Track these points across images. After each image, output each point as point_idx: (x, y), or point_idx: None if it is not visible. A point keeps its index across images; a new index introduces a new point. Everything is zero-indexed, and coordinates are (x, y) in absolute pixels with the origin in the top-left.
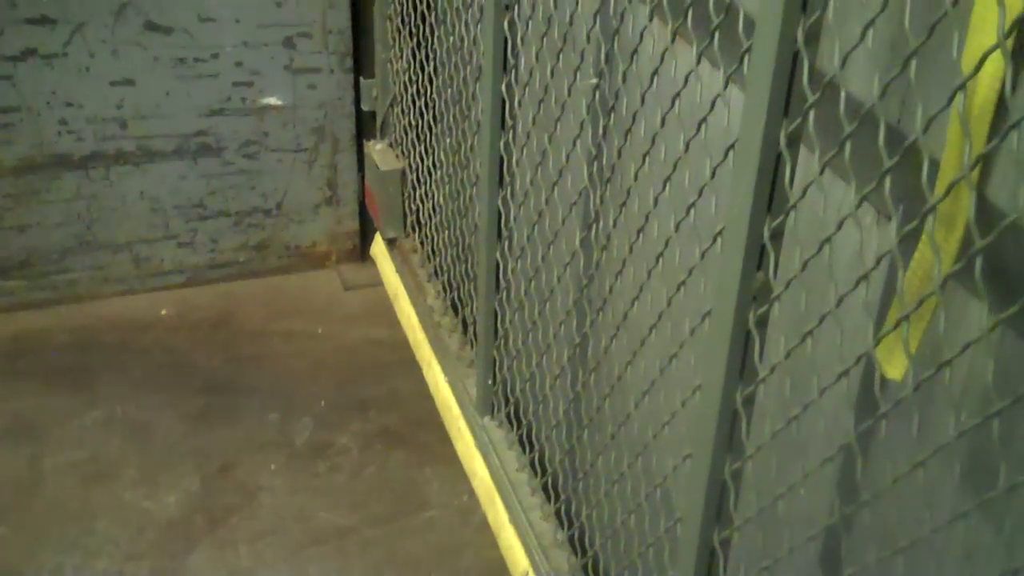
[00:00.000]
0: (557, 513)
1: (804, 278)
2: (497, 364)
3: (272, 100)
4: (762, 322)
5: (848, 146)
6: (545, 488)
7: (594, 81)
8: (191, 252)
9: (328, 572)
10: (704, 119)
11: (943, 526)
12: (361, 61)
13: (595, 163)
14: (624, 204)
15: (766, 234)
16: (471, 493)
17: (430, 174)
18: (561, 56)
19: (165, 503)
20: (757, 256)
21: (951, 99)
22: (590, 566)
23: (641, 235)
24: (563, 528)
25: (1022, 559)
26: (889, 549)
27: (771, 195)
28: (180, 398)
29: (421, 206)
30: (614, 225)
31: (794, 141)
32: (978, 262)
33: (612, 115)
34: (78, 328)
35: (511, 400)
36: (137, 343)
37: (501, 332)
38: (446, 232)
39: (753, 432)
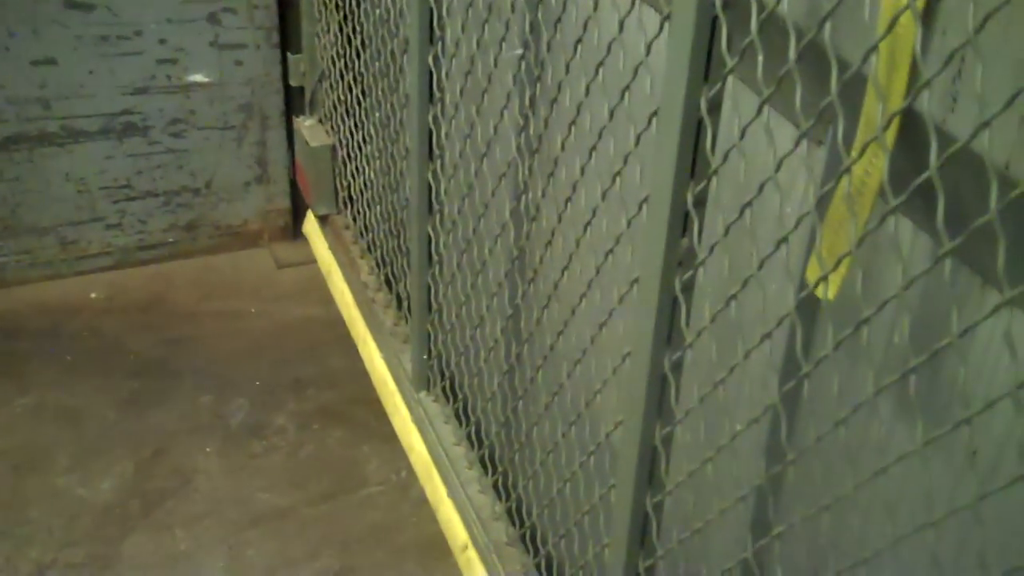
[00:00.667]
0: (495, 485)
1: (727, 242)
2: (432, 338)
3: (198, 77)
4: (688, 288)
5: (766, 110)
6: (482, 461)
7: (519, 51)
8: (119, 234)
9: (267, 553)
10: (627, 87)
11: (865, 482)
12: (288, 36)
13: (523, 134)
14: (552, 174)
15: (689, 200)
16: (409, 469)
17: (360, 149)
18: (487, 27)
19: (99, 489)
20: (681, 222)
21: (864, 59)
22: (528, 536)
23: (569, 205)
24: (501, 500)
25: (943, 510)
26: (815, 507)
27: (694, 161)
28: (112, 382)
29: (352, 181)
30: (543, 195)
31: (715, 107)
32: (892, 220)
33: (538, 85)
34: (5, 313)
35: (447, 374)
36: (66, 328)
37: (435, 306)
38: (378, 207)
39: (682, 397)
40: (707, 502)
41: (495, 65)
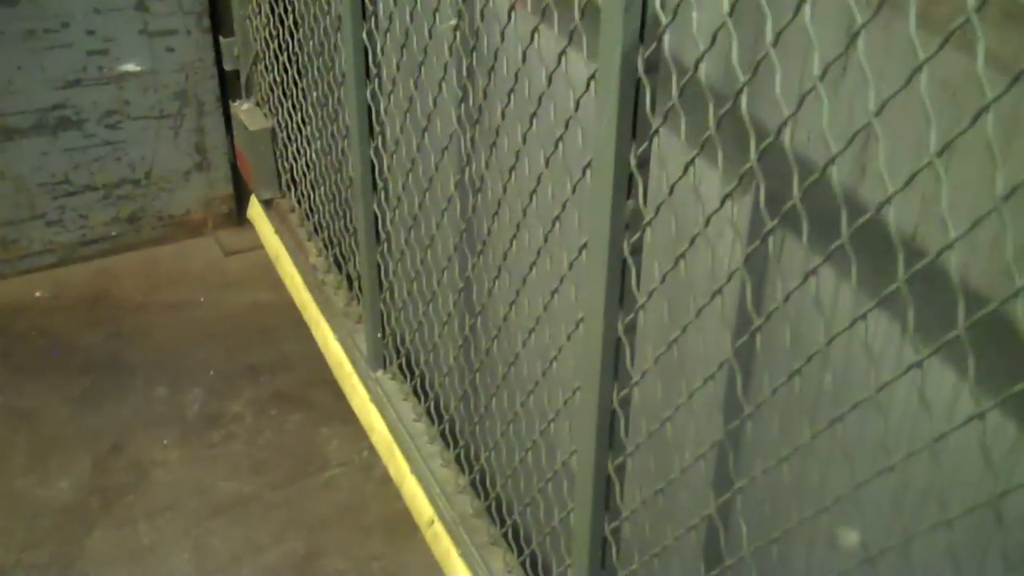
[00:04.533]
0: (457, 459)
1: (672, 202)
2: (385, 316)
3: (130, 66)
4: (636, 250)
5: (702, 68)
6: (443, 435)
7: (453, 22)
8: (61, 230)
9: (232, 541)
10: (563, 51)
11: (821, 431)
12: (219, 19)
13: (462, 105)
14: (494, 144)
15: (632, 162)
16: (371, 448)
17: (300, 130)
18: None
19: (58, 488)
20: (626, 184)
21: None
22: (493, 507)
23: (513, 173)
24: (464, 473)
25: (899, 455)
26: (774, 458)
27: (634, 122)
28: (63, 380)
29: (294, 164)
30: (486, 166)
31: (652, 67)
32: None
33: (474, 55)
34: None
35: (402, 351)
36: (13, 328)
37: (386, 284)
38: (322, 188)
39: (637, 359)
40: (668, 462)
41: (430, 37)
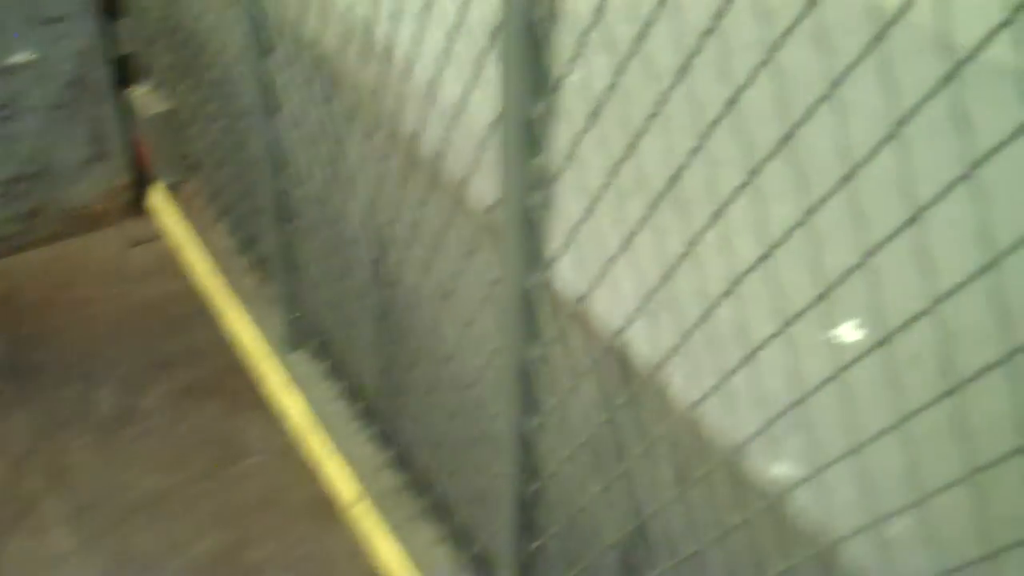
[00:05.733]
0: (377, 436)
1: (579, 157)
2: (297, 297)
3: (19, 57)
4: (546, 206)
5: None
6: (363, 413)
7: None
8: None
9: (154, 538)
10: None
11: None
12: (111, 2)
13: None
14: (397, 110)
15: (536, 117)
16: (290, 432)
17: (200, 111)
18: None
19: None
20: (533, 142)
21: None
22: (417, 480)
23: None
24: (385, 449)
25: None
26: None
27: (537, 73)
28: None
29: (196, 146)
30: (391, 135)
31: (552, 17)
32: None
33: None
34: None
35: (317, 331)
36: None
37: (296, 263)
38: (226, 169)
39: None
40: (588, 418)
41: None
